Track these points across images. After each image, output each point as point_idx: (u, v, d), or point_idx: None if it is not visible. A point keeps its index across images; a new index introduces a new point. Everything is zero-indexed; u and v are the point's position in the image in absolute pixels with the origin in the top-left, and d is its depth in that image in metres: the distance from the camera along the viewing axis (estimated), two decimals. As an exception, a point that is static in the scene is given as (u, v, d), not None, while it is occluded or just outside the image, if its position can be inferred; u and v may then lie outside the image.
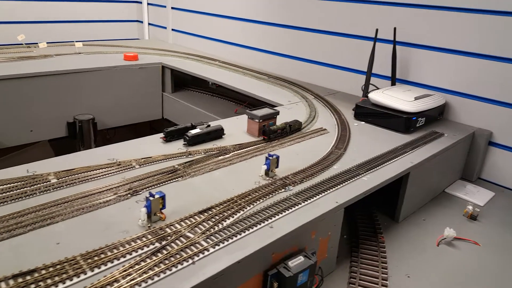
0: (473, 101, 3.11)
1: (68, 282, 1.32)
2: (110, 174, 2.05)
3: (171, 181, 2.02)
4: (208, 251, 1.51)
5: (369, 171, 2.23)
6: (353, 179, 2.13)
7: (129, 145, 2.42)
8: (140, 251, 1.49)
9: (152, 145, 2.45)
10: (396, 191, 2.47)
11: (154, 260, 1.44)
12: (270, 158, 2.07)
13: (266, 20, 4.62)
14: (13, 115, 3.87)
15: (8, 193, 1.81)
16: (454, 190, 2.93)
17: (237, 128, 2.75)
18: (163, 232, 1.61)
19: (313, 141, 2.64)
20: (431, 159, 2.57)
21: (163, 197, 1.68)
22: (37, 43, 4.88)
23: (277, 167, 2.11)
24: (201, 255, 1.49)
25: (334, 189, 2.01)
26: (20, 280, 1.32)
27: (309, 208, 1.84)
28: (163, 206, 1.70)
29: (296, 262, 1.65)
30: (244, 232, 1.63)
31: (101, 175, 2.03)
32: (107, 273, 1.37)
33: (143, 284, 1.34)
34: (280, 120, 2.67)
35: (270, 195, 1.92)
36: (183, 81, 4.96)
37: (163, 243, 1.53)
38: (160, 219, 1.70)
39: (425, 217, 2.60)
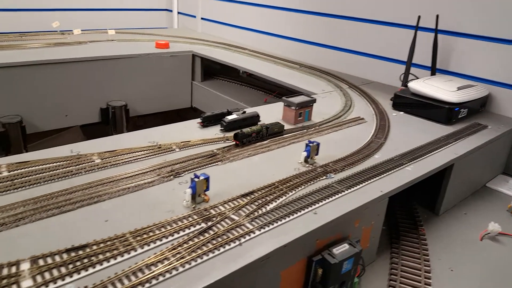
0: (518, 93, 2.97)
1: (119, 258, 1.34)
2: (151, 156, 2.06)
3: (211, 165, 2.02)
4: (254, 233, 1.50)
5: (413, 161, 2.17)
6: (397, 169, 2.07)
7: (168, 129, 2.43)
8: (187, 231, 1.49)
9: (190, 129, 2.46)
10: (436, 183, 2.40)
11: (202, 240, 1.44)
12: (311, 145, 2.03)
13: (298, 7, 4.54)
14: (49, 100, 3.96)
15: (55, 171, 1.85)
16: (496, 184, 2.82)
17: (272, 115, 2.72)
18: (207, 213, 1.61)
19: (351, 130, 2.58)
20: (475, 152, 2.47)
21: (207, 179, 1.68)
22: (71, 30, 4.98)
23: (317, 154, 2.08)
24: (247, 237, 1.48)
25: (377, 178, 1.96)
26: (73, 254, 1.34)
27: (353, 196, 1.80)
28: (207, 188, 1.70)
29: (341, 249, 1.62)
30: (288, 217, 1.61)
31: (143, 157, 2.05)
32: (156, 250, 1.38)
33: (193, 263, 1.34)
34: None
35: (312, 182, 1.89)
36: (212, 70, 4.97)
37: (209, 223, 1.53)
38: (203, 200, 1.70)
39: (466, 211, 2.51)
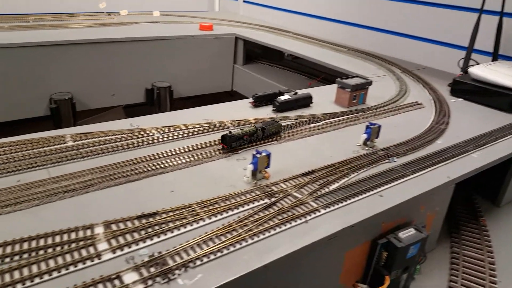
0: None
1: (188, 227, 1.35)
2: (207, 133, 2.07)
3: (267, 143, 1.99)
4: (319, 212, 1.47)
5: (478, 148, 2.05)
6: (462, 156, 1.96)
7: (221, 108, 2.43)
8: (251, 205, 1.48)
9: (242, 109, 2.45)
10: (496, 173, 2.26)
11: (267, 215, 1.43)
12: (372, 127, 1.96)
13: (346, -10, 4.39)
14: (97, 79, 4.06)
15: (117, 143, 1.89)
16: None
17: (323, 97, 2.66)
18: (269, 189, 1.59)
19: (409, 114, 2.48)
20: (543, 142, 2.30)
21: (268, 156, 1.66)
22: (117, 12, 5.06)
23: (377, 137, 2.01)
24: (312, 215, 1.45)
25: (442, 164, 1.87)
26: (144, 221, 1.37)
27: (418, 181, 1.72)
28: (268, 165, 1.68)
29: (407, 234, 1.56)
30: (353, 197, 1.56)
31: (200, 133, 2.05)
32: (224, 221, 1.38)
33: (261, 236, 1.33)
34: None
35: (374, 165, 1.82)
36: (253, 54, 4.92)
37: (272, 200, 1.52)
38: (263, 177, 1.68)
39: (529, 205, 2.37)
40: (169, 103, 4.42)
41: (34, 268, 1.14)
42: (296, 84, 4.22)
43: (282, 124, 2.21)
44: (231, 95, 5.10)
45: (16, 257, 1.17)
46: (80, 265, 1.16)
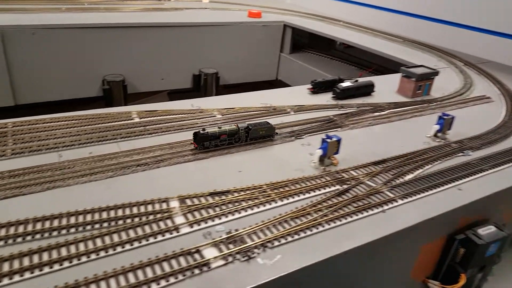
0: None
1: (261, 207, 1.32)
2: (267, 116, 2.03)
3: (330, 130, 1.93)
4: (397, 202, 1.40)
5: (562, 147, 1.89)
6: (544, 153, 1.82)
7: (279, 93, 2.39)
8: (322, 190, 1.44)
9: (299, 95, 2.39)
10: None
11: (341, 202, 1.37)
12: (445, 118, 1.85)
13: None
14: (148, 63, 4.13)
15: (181, 122, 1.89)
16: None
17: (384, 86, 2.55)
18: (340, 176, 1.53)
19: (477, 108, 2.33)
20: None
21: (339, 141, 1.60)
22: (167, -3, 5.11)
23: (449, 129, 1.89)
24: (390, 205, 1.38)
25: (523, 160, 1.74)
26: (216, 198, 1.35)
27: (498, 176, 1.61)
28: (337, 151, 1.62)
29: (487, 231, 1.46)
30: (431, 189, 1.48)
31: (259, 117, 2.02)
32: (296, 205, 1.34)
33: (337, 222, 1.28)
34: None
35: (448, 157, 1.72)
36: (299, 43, 4.82)
37: (344, 187, 1.46)
38: (331, 163, 1.62)
39: None
40: (215, 90, 4.42)
41: (115, 237, 1.15)
42: (345, 75, 4.09)
43: (343, 112, 2.14)
44: (271, 85, 5.03)
45: (97, 225, 1.19)
46: (160, 237, 1.16)
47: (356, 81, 2.42)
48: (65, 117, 1.83)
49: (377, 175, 1.55)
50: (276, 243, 1.17)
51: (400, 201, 1.40)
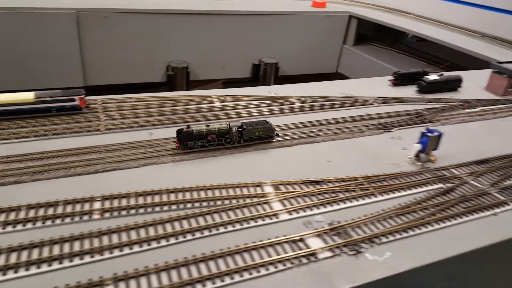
0: None
1: (360, 200, 1.25)
2: (349, 107, 1.94)
3: (420, 125, 1.80)
4: (508, 205, 1.27)
5: None
6: None
7: (358, 83, 2.29)
8: (424, 188, 1.33)
9: (379, 86, 2.26)
10: None
11: (448, 201, 1.26)
12: (555, 117, 1.66)
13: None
14: (210, 51, 4.14)
15: (261, 108, 1.85)
16: None
17: (470, 82, 2.35)
18: (441, 174, 1.41)
19: None
20: None
21: (440, 136, 1.48)
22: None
23: (559, 130, 1.70)
24: (501, 208, 1.26)
25: None
26: (311, 187, 1.29)
27: None
28: (436, 147, 1.50)
29: None
30: (547, 195, 1.33)
31: (339, 107, 1.93)
32: (399, 201, 1.25)
33: (447, 222, 1.17)
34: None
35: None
36: (363, 36, 4.63)
37: (448, 185, 1.34)
38: (428, 160, 1.51)
39: None
40: (274, 81, 4.37)
41: (216, 217, 1.13)
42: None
43: (432, 107, 2.00)
44: (326, 78, 4.88)
45: (197, 204, 1.17)
46: (260, 221, 1.13)
47: (442, 74, 2.26)
48: (151, 97, 1.85)
49: (481, 175, 1.42)
50: (384, 240, 1.09)
51: (513, 205, 1.26)
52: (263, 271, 0.96)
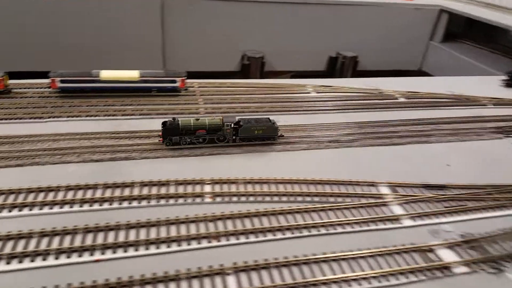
0: None
1: (491, 212, 1.10)
2: (458, 107, 1.75)
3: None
4: None
5: None
6: None
7: (465, 82, 2.07)
8: None
9: (492, 86, 2.03)
10: None
11: None
12: None
13: None
14: (284, 41, 4.02)
15: (360, 101, 1.73)
16: None
17: None
18: None
19: None
20: None
21: None
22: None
23: None
24: None
25: None
26: (434, 192, 1.16)
27: None
28: None
29: None
30: None
31: (452, 106, 1.75)
32: (540, 218, 1.08)
33: None
34: None
35: None
36: (451, 32, 4.25)
37: None
38: None
39: None
40: (351, 75, 4.17)
41: (331, 215, 1.04)
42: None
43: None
44: (404, 75, 4.55)
45: (308, 198, 1.10)
46: (381, 225, 1.03)
47: None
48: (245, 83, 1.81)
49: None
50: (531, 261, 0.93)
51: None
52: (393, 281, 0.86)
